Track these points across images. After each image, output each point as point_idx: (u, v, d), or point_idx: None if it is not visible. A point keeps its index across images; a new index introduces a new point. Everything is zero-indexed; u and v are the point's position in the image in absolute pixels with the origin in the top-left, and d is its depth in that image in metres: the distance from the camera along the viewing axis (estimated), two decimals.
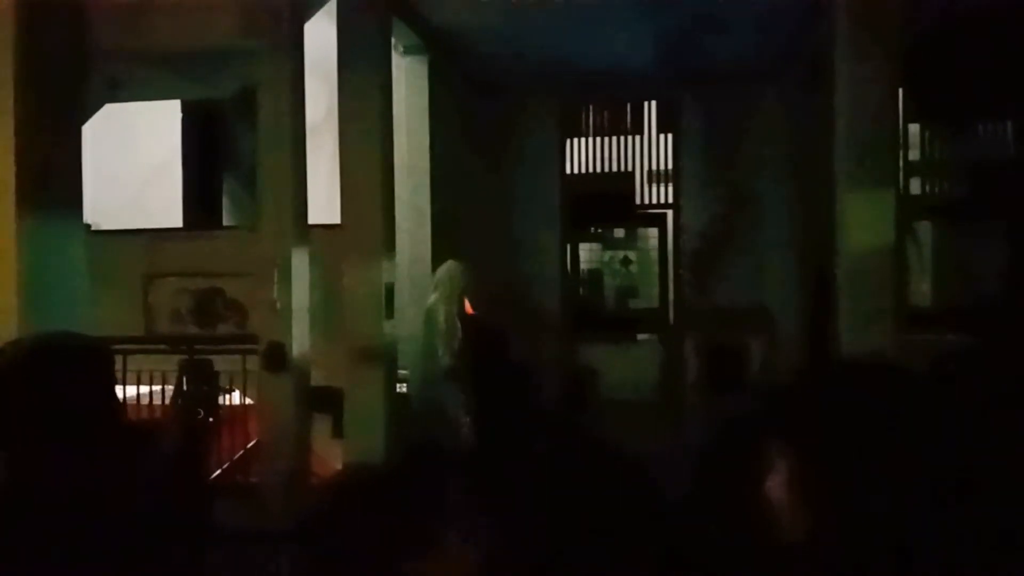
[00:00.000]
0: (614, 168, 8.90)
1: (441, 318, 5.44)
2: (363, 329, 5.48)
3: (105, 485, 1.52)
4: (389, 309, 5.65)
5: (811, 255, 7.27)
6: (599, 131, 8.95)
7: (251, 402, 5.43)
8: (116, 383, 1.62)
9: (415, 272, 6.75)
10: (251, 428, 5.46)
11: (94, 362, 1.57)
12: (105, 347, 1.64)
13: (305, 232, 5.15)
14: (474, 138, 8.20)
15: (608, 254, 9.38)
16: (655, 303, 9.07)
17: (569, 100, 8.84)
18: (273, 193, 5.03)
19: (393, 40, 6.23)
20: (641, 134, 8.87)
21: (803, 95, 7.57)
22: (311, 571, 1.40)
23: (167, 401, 5.20)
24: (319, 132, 6.25)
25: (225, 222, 8.26)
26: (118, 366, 1.64)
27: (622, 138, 8.89)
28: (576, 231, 9.09)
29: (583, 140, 8.96)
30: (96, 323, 3.58)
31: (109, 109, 7.10)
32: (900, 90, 5.70)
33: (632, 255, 9.31)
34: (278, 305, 4.90)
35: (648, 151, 8.86)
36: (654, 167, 8.89)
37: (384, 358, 5.59)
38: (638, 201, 8.90)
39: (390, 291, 5.68)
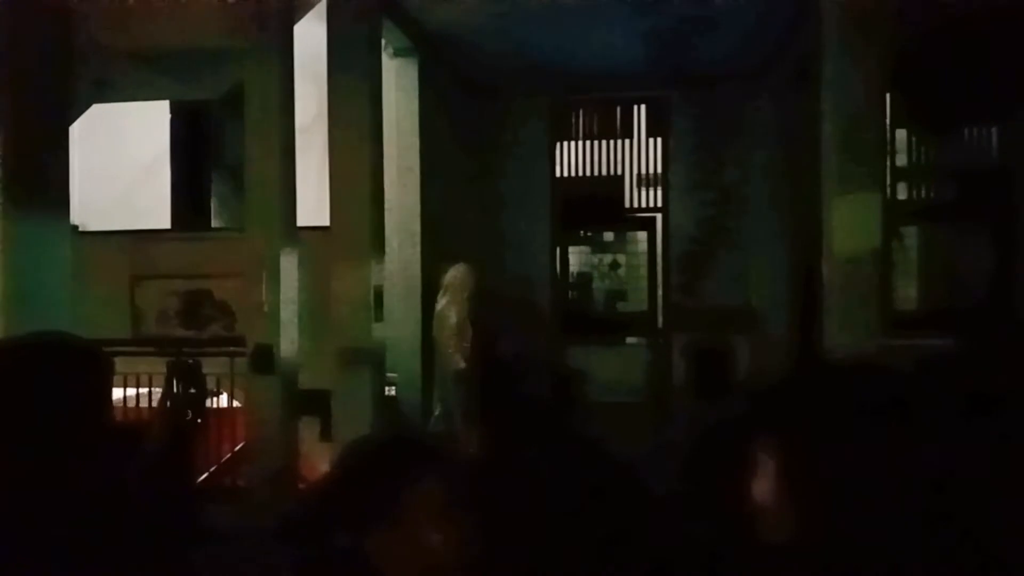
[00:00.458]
0: (604, 171, 8.93)
1: (452, 321, 5.47)
2: (352, 332, 5.47)
3: (96, 487, 1.51)
4: (378, 312, 5.65)
5: (800, 258, 7.31)
6: (589, 134, 8.98)
7: (239, 405, 5.41)
8: (111, 387, 1.62)
9: (404, 274, 6.74)
10: (239, 431, 5.43)
11: (91, 365, 1.56)
12: (102, 351, 1.64)
13: (294, 234, 5.13)
14: (464, 140, 8.21)
15: (597, 257, 9.40)
16: (644, 306, 9.10)
17: (559, 103, 8.86)
18: (262, 195, 5.01)
19: (383, 42, 6.23)
20: (631, 138, 8.90)
21: (792, 98, 7.61)
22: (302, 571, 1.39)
23: (154, 404, 5.18)
24: (308, 133, 6.23)
25: (213, 223, 8.23)
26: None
27: (612, 141, 8.93)
28: (566, 234, 9.11)
29: (573, 143, 8.98)
30: (82, 324, 3.56)
31: (97, 109, 7.07)
32: (888, 94, 5.74)
33: (621, 258, 9.33)
34: (266, 307, 4.89)
35: (638, 155, 8.90)
36: (643, 171, 8.92)
37: (373, 361, 5.58)
38: (627, 205, 8.94)
39: (379, 293, 5.68)
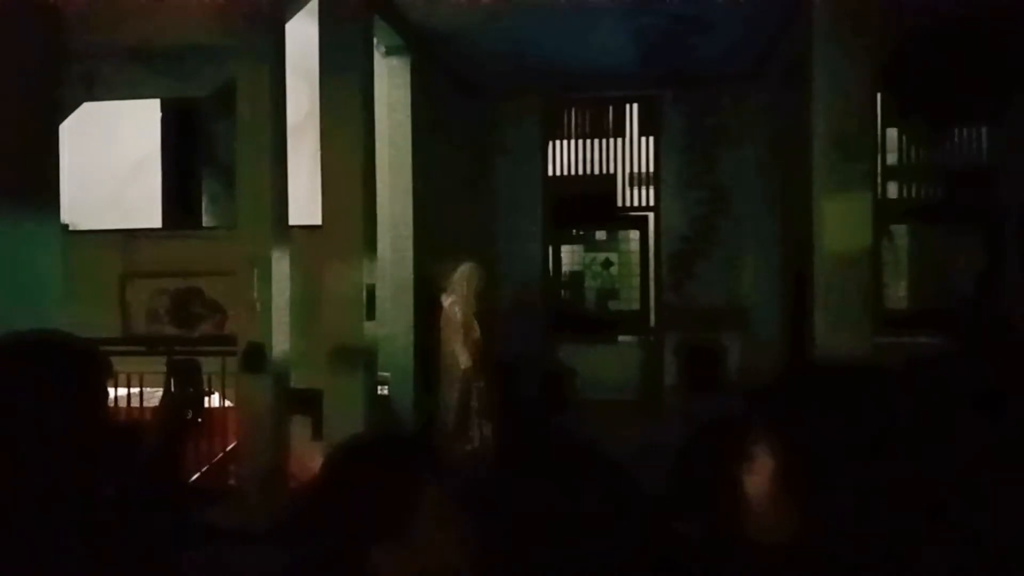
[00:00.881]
0: (596, 170, 8.95)
1: (459, 320, 5.49)
2: (344, 331, 5.46)
3: (91, 486, 1.51)
4: (370, 310, 5.64)
5: (791, 257, 7.33)
6: (581, 133, 9.00)
7: (230, 404, 5.40)
8: (107, 386, 1.61)
9: (397, 273, 6.74)
10: (230, 431, 5.42)
11: (87, 364, 1.56)
12: (100, 350, 1.63)
13: (285, 232, 5.12)
14: (457, 139, 8.20)
15: (589, 256, 9.41)
16: (636, 305, 9.12)
17: (552, 102, 8.87)
18: (253, 193, 5.00)
19: (375, 40, 6.22)
20: (623, 137, 8.92)
21: (783, 97, 7.64)
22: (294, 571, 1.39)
23: (141, 403, 5.17)
24: (300, 132, 6.21)
25: (205, 222, 8.20)
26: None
27: (604, 140, 8.95)
28: (558, 232, 9.12)
29: (565, 142, 9.00)
30: (71, 323, 3.54)
31: (88, 107, 7.03)
32: (878, 94, 5.77)
33: (613, 257, 9.34)
34: (258, 306, 4.88)
35: (630, 154, 8.91)
36: (636, 170, 8.94)
37: (365, 360, 5.57)
38: (620, 203, 8.95)
39: (371, 292, 5.67)
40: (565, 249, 9.29)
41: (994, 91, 7.29)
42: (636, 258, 9.13)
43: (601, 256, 9.37)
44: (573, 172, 8.98)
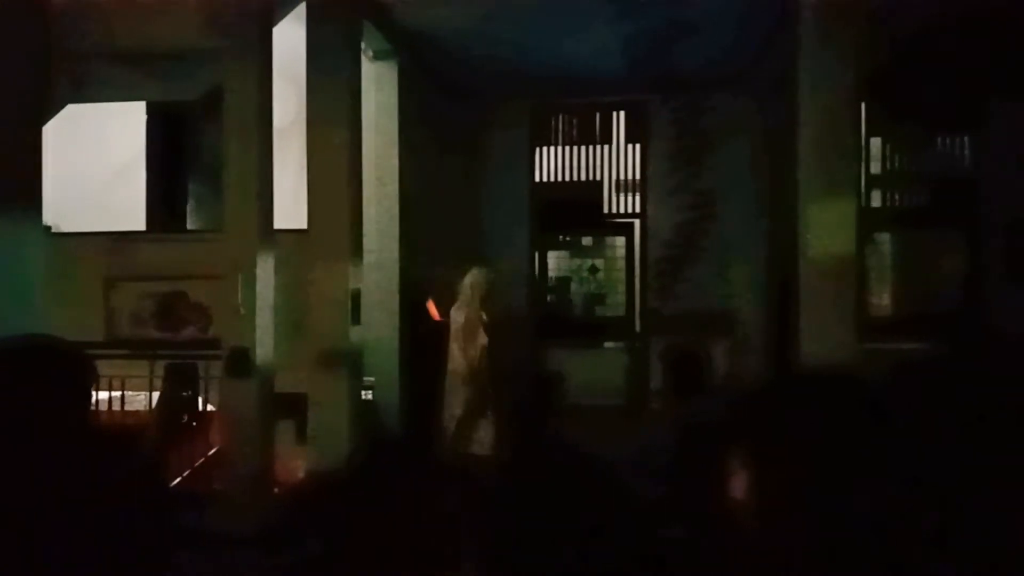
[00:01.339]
0: (583, 177, 8.98)
1: (458, 324, 5.51)
2: (329, 335, 5.44)
3: (77, 489, 1.50)
4: (356, 315, 5.62)
5: (776, 263, 7.37)
6: (569, 139, 9.03)
7: (213, 408, 5.36)
8: (91, 390, 1.60)
9: (382, 278, 6.72)
10: (213, 435, 5.38)
11: (73, 368, 1.55)
12: (85, 355, 1.62)
13: (271, 236, 5.10)
14: (444, 144, 8.20)
15: (576, 262, 9.43)
16: (622, 311, 9.14)
17: (539, 107, 8.89)
18: (239, 197, 4.98)
19: (363, 44, 6.21)
20: (610, 143, 8.96)
21: (770, 104, 7.69)
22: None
23: (123, 406, 5.12)
24: (287, 136, 6.20)
25: (189, 225, 8.16)
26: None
27: (591, 147, 8.98)
28: (545, 238, 9.14)
29: (553, 148, 9.03)
30: (54, 326, 3.51)
31: (72, 109, 6.98)
32: (863, 102, 5.82)
33: (600, 263, 9.37)
34: (242, 310, 4.85)
35: (616, 160, 8.95)
36: (622, 176, 8.98)
37: (350, 364, 5.55)
38: (606, 210, 8.99)
39: (357, 297, 5.65)
40: (552, 255, 9.30)
41: (977, 100, 7.36)
42: (622, 264, 9.17)
43: (588, 262, 9.39)
44: (560, 178, 9.02)
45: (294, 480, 5.47)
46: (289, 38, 5.69)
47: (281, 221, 5.26)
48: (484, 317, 5.60)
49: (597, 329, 9.18)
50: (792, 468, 1.13)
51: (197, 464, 5.36)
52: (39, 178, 3.56)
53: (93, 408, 1.60)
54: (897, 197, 8.06)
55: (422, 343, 6.64)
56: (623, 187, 9.01)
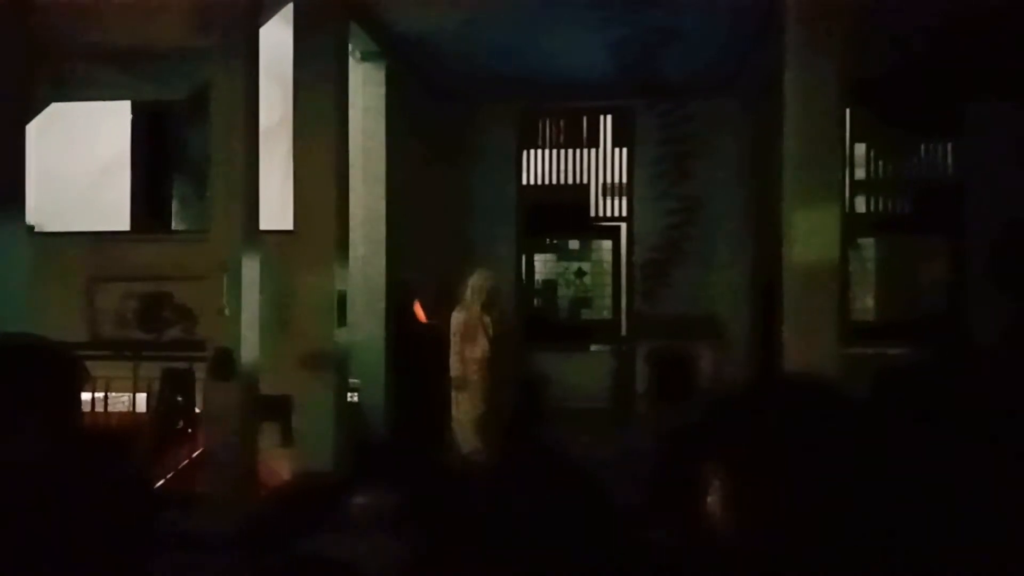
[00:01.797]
0: (570, 180, 9.00)
1: (457, 328, 5.53)
2: (314, 337, 5.42)
3: (64, 490, 1.49)
4: (342, 317, 5.61)
5: (761, 268, 7.41)
6: (556, 143, 9.05)
7: (198, 410, 5.33)
8: (80, 390, 1.59)
9: (368, 280, 6.71)
10: (197, 436, 5.35)
11: (62, 368, 1.54)
12: (74, 355, 1.61)
13: (256, 237, 5.08)
14: (431, 146, 8.19)
15: (563, 265, 9.45)
16: (608, 314, 9.16)
17: (527, 111, 8.91)
18: (224, 197, 4.95)
19: (351, 46, 6.20)
20: (597, 147, 8.98)
21: (756, 110, 7.74)
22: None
23: (106, 408, 5.09)
24: (273, 137, 6.17)
25: (174, 226, 8.11)
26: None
27: (578, 151, 9.00)
28: (532, 241, 9.15)
29: (540, 151, 9.04)
30: (37, 326, 3.49)
31: (56, 108, 6.93)
32: (848, 109, 5.86)
33: (586, 267, 9.39)
34: (227, 311, 4.82)
35: (603, 164, 8.98)
36: (609, 180, 9.01)
37: (336, 366, 5.54)
38: (593, 214, 9.01)
39: (343, 299, 5.64)
40: (538, 258, 9.32)
41: (960, 107, 7.44)
42: (609, 267, 9.19)
43: (574, 265, 9.41)
44: (547, 181, 9.03)
45: (279, 482, 5.45)
46: (276, 39, 5.68)
47: (267, 222, 5.24)
48: (486, 320, 5.60)
49: (583, 332, 9.19)
50: (770, 472, 1.13)
51: (181, 466, 5.33)
52: (22, 177, 3.54)
53: (82, 409, 1.59)
54: (881, 203, 8.13)
55: (408, 345, 6.63)
56: (610, 191, 9.03)
